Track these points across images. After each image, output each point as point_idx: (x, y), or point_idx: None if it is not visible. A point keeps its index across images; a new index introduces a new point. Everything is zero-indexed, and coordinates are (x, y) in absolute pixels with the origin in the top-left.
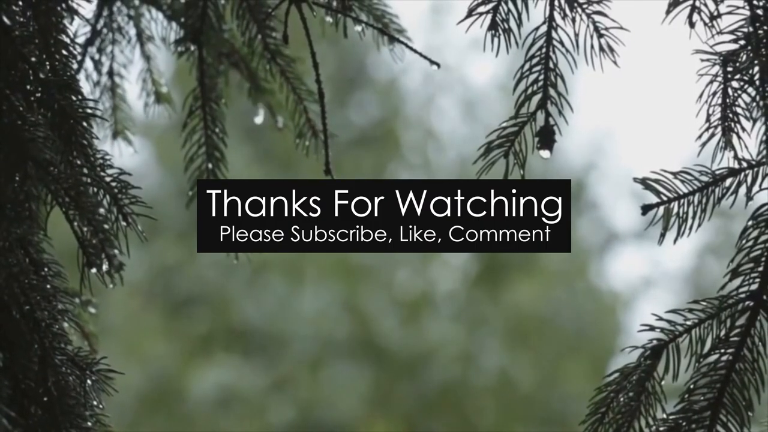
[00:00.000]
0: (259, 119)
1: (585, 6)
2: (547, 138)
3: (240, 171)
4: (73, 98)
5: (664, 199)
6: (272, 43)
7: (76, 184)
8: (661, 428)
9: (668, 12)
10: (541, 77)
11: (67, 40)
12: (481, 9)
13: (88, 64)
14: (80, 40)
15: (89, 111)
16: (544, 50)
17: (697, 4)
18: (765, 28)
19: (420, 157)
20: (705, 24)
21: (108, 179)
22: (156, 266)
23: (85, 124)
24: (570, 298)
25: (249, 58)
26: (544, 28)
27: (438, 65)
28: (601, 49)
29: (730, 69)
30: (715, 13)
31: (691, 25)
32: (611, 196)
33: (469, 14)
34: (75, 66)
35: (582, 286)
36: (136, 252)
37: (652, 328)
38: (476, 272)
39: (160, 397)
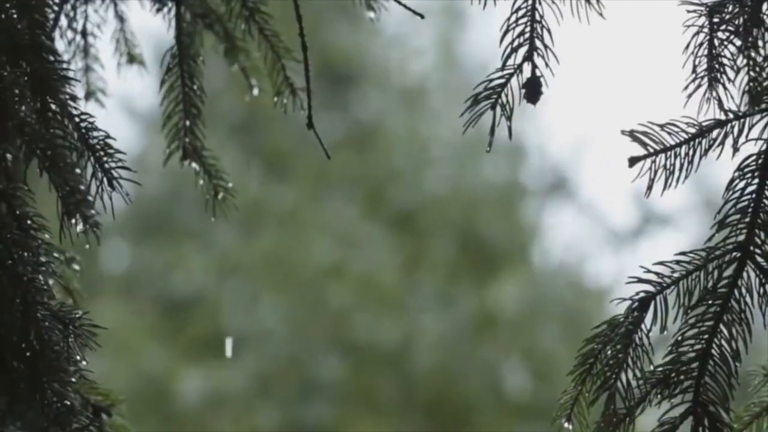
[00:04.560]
0: (255, 91)
1: None
2: (533, 90)
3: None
4: (48, 59)
5: (651, 151)
6: (250, 0)
7: (52, 145)
8: (650, 380)
9: None
10: (528, 29)
11: None
12: None
13: (63, 21)
14: None
15: (62, 73)
16: (530, 2)
17: None
18: None
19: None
20: None
21: (93, 141)
22: (145, 266)
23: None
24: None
25: (226, 17)
26: None
27: (422, 16)
28: (587, 0)
29: (716, 20)
30: None
31: None
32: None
33: None
34: (50, 23)
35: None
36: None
37: (639, 280)
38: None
39: (150, 399)
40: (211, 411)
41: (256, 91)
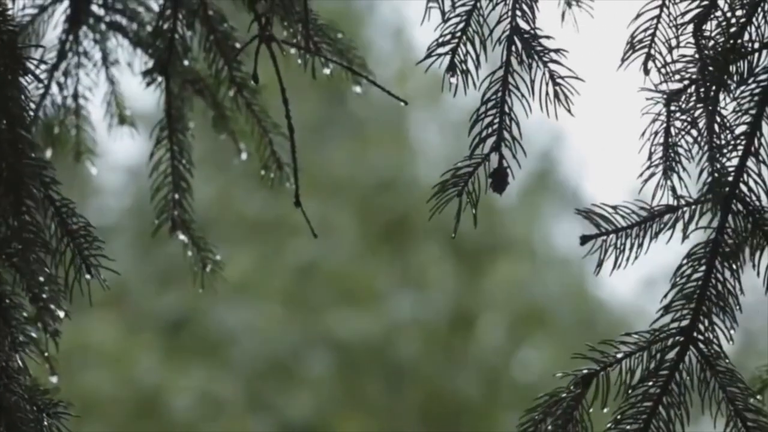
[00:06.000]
0: (243, 156)
1: (542, 53)
2: (500, 180)
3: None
4: (26, 153)
5: (603, 230)
6: (238, 76)
7: (24, 250)
8: None
9: (624, 59)
10: (496, 120)
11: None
12: (440, 50)
13: (54, 88)
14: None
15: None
16: (499, 94)
17: (652, 51)
18: (711, 73)
19: None
20: (659, 71)
21: (73, 227)
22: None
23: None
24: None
25: (215, 88)
26: (500, 73)
27: (405, 102)
28: (556, 96)
29: (673, 108)
30: (669, 60)
31: (646, 72)
32: None
33: (428, 55)
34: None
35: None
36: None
37: (584, 357)
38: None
39: (143, 408)
40: (198, 413)
41: (244, 156)
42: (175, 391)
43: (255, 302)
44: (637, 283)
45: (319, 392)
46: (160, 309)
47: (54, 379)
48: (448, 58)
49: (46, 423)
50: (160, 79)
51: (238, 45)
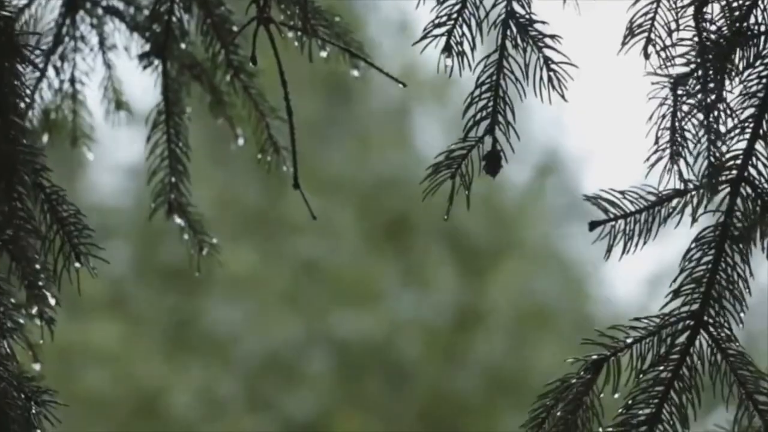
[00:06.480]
0: (240, 141)
1: (537, 38)
2: (493, 163)
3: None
4: (20, 146)
5: (611, 216)
6: (235, 59)
7: (16, 237)
8: None
9: (624, 43)
10: (491, 104)
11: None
12: (436, 32)
13: (51, 73)
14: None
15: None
16: (494, 78)
17: (652, 36)
18: (712, 56)
19: None
20: (658, 54)
21: (63, 214)
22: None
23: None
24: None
25: (211, 72)
26: (495, 56)
27: (404, 84)
28: (550, 81)
29: (680, 92)
30: (669, 44)
31: (646, 56)
32: None
33: (425, 36)
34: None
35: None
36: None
37: (594, 343)
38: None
39: (144, 407)
40: (198, 412)
41: (241, 141)
42: (176, 390)
43: (256, 301)
44: (641, 285)
45: (320, 391)
46: (160, 308)
47: (37, 367)
48: (443, 39)
49: (33, 411)
50: (156, 62)
51: (235, 29)
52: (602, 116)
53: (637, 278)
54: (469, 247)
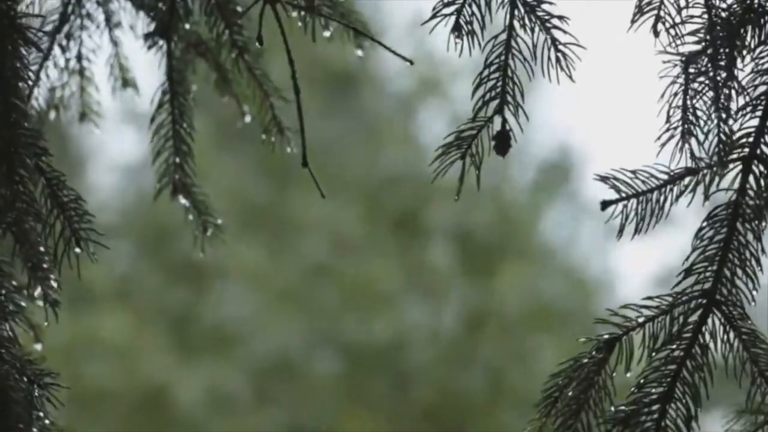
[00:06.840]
0: (247, 118)
1: (544, 18)
2: (503, 142)
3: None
4: (20, 123)
5: (623, 195)
6: (240, 39)
7: (20, 219)
8: (611, 420)
9: (633, 21)
10: (499, 84)
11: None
12: (445, 11)
13: (57, 51)
14: (48, 27)
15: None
16: (503, 58)
17: (661, 13)
18: (722, 34)
19: None
20: (668, 32)
21: (64, 199)
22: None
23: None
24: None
25: (216, 51)
26: (503, 36)
27: (411, 62)
28: (558, 61)
29: (692, 70)
30: (678, 21)
31: (656, 34)
32: None
33: (434, 15)
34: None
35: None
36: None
37: (605, 322)
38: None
39: (150, 402)
40: (207, 411)
41: (248, 118)
42: (183, 386)
43: (263, 299)
44: (648, 285)
45: (327, 390)
46: (168, 304)
47: (38, 347)
48: (453, 18)
49: (36, 394)
50: (161, 42)
51: (239, 9)
52: (611, 107)
53: (646, 280)
54: (476, 246)
